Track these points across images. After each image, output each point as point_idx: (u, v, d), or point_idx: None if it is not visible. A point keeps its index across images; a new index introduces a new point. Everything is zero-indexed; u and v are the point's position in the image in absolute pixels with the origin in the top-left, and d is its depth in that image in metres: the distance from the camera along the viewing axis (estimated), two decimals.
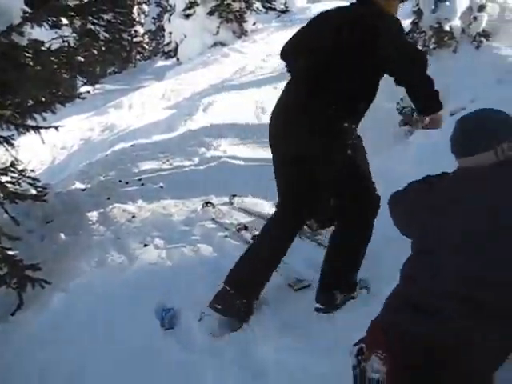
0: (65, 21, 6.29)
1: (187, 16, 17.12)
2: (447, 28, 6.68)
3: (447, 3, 6.62)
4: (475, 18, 6.61)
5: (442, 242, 1.84)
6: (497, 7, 6.70)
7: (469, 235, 1.76)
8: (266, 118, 9.20)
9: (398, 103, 6.82)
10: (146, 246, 4.61)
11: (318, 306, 3.20)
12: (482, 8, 6.59)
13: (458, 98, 5.77)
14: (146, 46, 24.54)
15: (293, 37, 3.48)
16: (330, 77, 3.03)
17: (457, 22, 6.68)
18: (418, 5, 6.85)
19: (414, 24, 6.85)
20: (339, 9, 3.31)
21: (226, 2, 16.77)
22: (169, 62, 18.90)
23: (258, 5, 18.14)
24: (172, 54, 19.04)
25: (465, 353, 1.60)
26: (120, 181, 6.60)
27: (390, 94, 7.26)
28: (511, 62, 6.05)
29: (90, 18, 6.39)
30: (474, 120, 1.99)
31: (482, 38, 6.62)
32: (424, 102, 3.09)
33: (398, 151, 5.94)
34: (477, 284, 1.66)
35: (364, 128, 7.32)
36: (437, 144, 5.41)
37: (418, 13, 6.74)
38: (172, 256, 4.35)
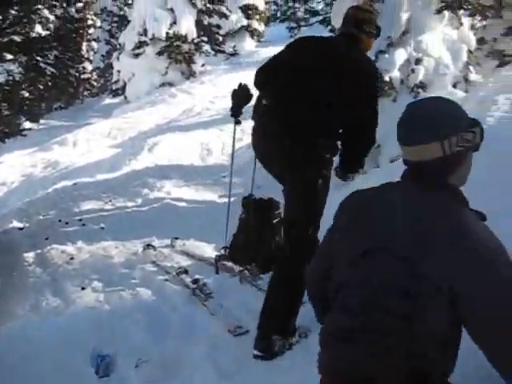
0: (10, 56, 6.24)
1: (136, 55, 17.27)
2: (387, 78, 6.97)
3: (386, 55, 6.93)
4: (413, 70, 6.91)
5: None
6: (432, 61, 7.06)
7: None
8: (211, 160, 9.37)
9: None
10: (83, 289, 4.52)
11: (256, 352, 3.17)
12: (418, 61, 6.91)
13: (397, 145, 6.01)
14: (94, 83, 24.46)
15: (272, 63, 3.39)
16: (317, 110, 3.07)
17: (396, 74, 6.97)
18: None
19: None
20: (324, 43, 3.36)
21: (175, 44, 16.99)
22: (116, 100, 18.88)
23: (207, 47, 18.44)
24: (120, 92, 19.04)
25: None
26: (60, 220, 6.50)
27: None
28: None
29: (36, 54, 6.35)
30: (423, 106, 1.76)
31: (420, 89, 6.94)
32: (354, 167, 3.35)
33: (335, 197, 6.09)
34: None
35: None
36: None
37: None
38: (110, 300, 4.28)
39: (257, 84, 3.40)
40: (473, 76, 6.99)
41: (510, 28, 8.55)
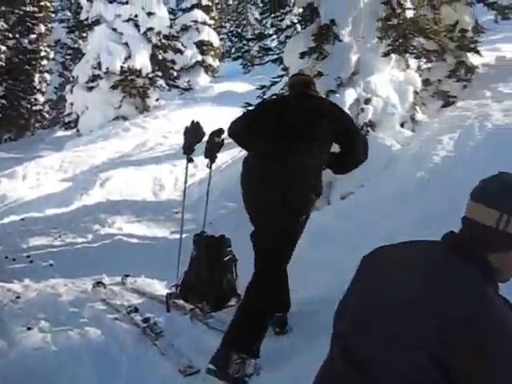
0: None
1: (90, 88, 17.15)
2: None
3: (337, 95, 7.14)
4: (362, 110, 7.14)
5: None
6: (380, 101, 7.30)
7: None
8: (163, 195, 9.34)
9: None
10: (29, 329, 4.37)
11: (211, 366, 3.10)
12: (367, 101, 7.14)
13: (348, 183, 6.15)
14: (46, 115, 24.14)
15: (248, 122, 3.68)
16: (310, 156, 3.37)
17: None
18: None
19: None
20: (297, 100, 3.66)
21: (129, 78, 17.00)
22: (68, 133, 18.60)
23: (161, 82, 18.51)
24: (72, 124, 18.80)
25: None
26: (6, 257, 6.32)
27: None
28: (394, 152, 6.55)
29: None
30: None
31: (369, 128, 7.15)
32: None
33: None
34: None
35: None
36: (357, 198, 5.67)
37: None
38: (57, 340, 4.15)
39: (236, 138, 3.72)
40: (419, 116, 7.26)
41: (453, 71, 8.97)
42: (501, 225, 1.50)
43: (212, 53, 24.58)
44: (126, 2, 17.02)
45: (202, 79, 23.16)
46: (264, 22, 26.58)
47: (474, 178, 4.68)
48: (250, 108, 6.69)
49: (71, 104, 18.42)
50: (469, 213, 1.58)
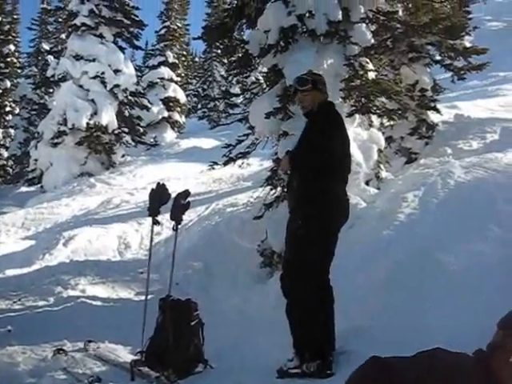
0: None
1: (55, 144, 17.02)
2: None
3: None
4: None
5: None
6: None
7: None
8: (129, 254, 9.17)
9: (258, 245, 7.06)
10: None
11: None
12: None
13: None
14: (10, 170, 23.82)
15: None
16: None
17: None
18: (276, 154, 7.36)
19: (273, 171, 7.32)
20: None
21: (95, 134, 16.95)
22: (32, 189, 18.33)
23: (127, 138, 18.51)
24: (36, 180, 18.56)
25: None
26: None
27: (250, 234, 7.61)
28: (360, 210, 6.60)
29: None
30: None
31: None
32: None
33: (258, 293, 6.09)
34: None
35: (224, 267, 7.48)
36: None
37: (277, 161, 7.23)
38: None
39: None
40: (384, 173, 7.37)
41: (414, 128, 9.25)
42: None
43: (178, 109, 24.85)
44: (93, 60, 17.15)
45: (169, 135, 23.31)
46: (230, 78, 27.08)
47: (439, 234, 4.74)
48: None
49: (35, 160, 18.23)
50: None
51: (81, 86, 17.12)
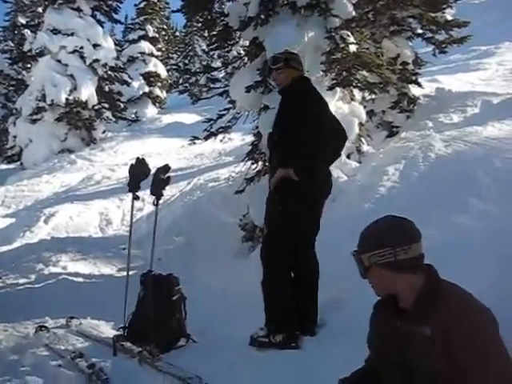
0: None
1: (34, 121, 16.77)
2: None
3: None
4: None
5: None
6: None
7: None
8: (110, 231, 9.13)
9: (240, 219, 7.06)
10: None
11: None
12: None
13: None
14: None
15: None
16: None
17: None
18: (257, 127, 7.32)
19: (254, 145, 7.29)
20: None
21: (75, 110, 16.73)
22: (11, 166, 18.09)
23: (108, 114, 18.30)
24: (16, 158, 18.31)
25: None
26: None
27: (232, 209, 7.60)
28: (341, 183, 6.59)
29: None
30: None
31: None
32: None
33: (240, 267, 6.11)
34: None
35: (206, 242, 7.48)
36: None
37: (258, 135, 7.20)
38: None
39: None
40: (365, 147, 7.37)
41: (396, 102, 9.24)
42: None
43: (159, 84, 24.60)
44: (71, 34, 16.84)
45: (150, 111, 23.09)
46: (211, 53, 26.79)
47: (420, 207, 4.78)
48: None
49: (14, 137, 17.96)
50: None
51: (59, 61, 16.83)
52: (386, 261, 2.00)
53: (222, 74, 16.81)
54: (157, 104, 24.24)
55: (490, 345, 1.84)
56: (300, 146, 3.78)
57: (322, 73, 6.49)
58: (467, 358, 1.80)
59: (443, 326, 1.85)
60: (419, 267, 2.04)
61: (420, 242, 2.05)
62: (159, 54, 26.23)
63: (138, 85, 22.81)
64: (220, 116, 7.54)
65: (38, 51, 17.36)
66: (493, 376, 1.80)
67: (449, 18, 9.64)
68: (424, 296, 1.97)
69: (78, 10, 17.09)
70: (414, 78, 9.33)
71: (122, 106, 19.09)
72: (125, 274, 4.65)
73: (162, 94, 24.94)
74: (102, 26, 17.96)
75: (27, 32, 19.62)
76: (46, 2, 17.48)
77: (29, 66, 19.56)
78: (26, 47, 18.85)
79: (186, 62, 32.06)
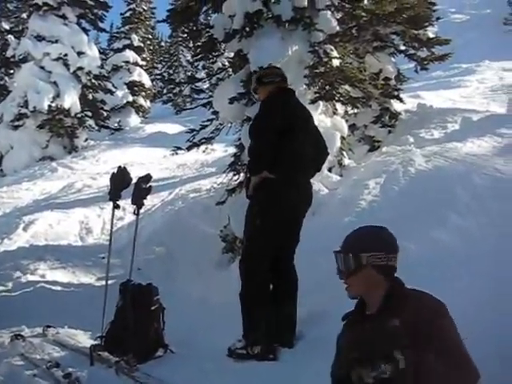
0: None
1: (16, 127, 16.62)
2: None
3: None
4: None
5: None
6: None
7: None
8: (90, 239, 9.05)
9: (221, 230, 7.06)
10: None
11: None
12: None
13: None
14: None
15: None
16: None
17: None
18: (240, 139, 7.35)
19: (236, 157, 7.31)
20: None
21: (57, 117, 16.61)
22: None
23: (91, 122, 18.21)
24: None
25: None
26: None
27: (213, 220, 7.60)
28: (322, 196, 6.63)
29: None
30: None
31: None
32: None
33: (220, 278, 6.10)
34: None
35: (186, 252, 7.45)
36: None
37: (240, 146, 7.23)
38: None
39: None
40: (346, 161, 7.43)
41: (378, 117, 9.34)
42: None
43: (143, 93, 24.55)
44: (56, 41, 16.77)
45: (133, 120, 23.00)
46: (196, 63, 26.84)
47: (399, 220, 4.81)
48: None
49: None
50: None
51: (42, 68, 16.72)
52: (380, 263, 2.20)
53: (206, 85, 16.83)
54: (140, 113, 24.16)
55: (452, 336, 2.01)
56: (254, 149, 3.96)
57: (305, 86, 6.56)
58: (433, 349, 1.94)
59: (411, 319, 2.00)
60: (392, 276, 2.26)
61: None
62: (144, 63, 26.19)
63: (121, 94, 22.73)
64: (203, 127, 7.56)
65: (21, 57, 17.20)
66: (454, 365, 1.94)
67: (431, 35, 9.79)
68: (392, 295, 2.16)
69: (63, 17, 17.01)
70: (395, 93, 9.45)
71: (105, 114, 18.99)
72: (104, 283, 4.63)
73: (146, 104, 24.88)
74: (87, 34, 17.92)
75: (11, 38, 19.46)
76: (31, 9, 17.36)
77: (11, 71, 19.37)
78: (9, 53, 18.67)
79: (171, 72, 32.06)
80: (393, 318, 2.05)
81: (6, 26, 26.28)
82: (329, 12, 6.66)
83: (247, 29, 6.48)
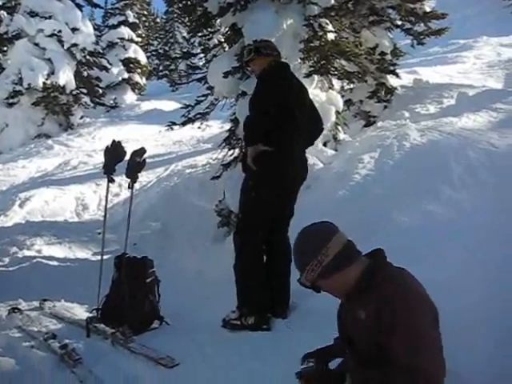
0: None
1: (10, 104, 16.51)
2: None
3: None
4: None
5: None
6: None
7: None
8: (86, 215, 9.07)
9: (216, 205, 7.07)
10: None
11: None
12: None
13: None
14: None
15: None
16: None
17: None
18: (234, 114, 7.33)
19: (231, 131, 7.29)
20: None
21: (52, 94, 16.51)
22: None
23: (86, 99, 18.10)
24: None
25: None
26: None
27: (208, 195, 7.61)
28: (316, 170, 6.65)
29: None
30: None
31: None
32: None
33: (215, 252, 6.14)
34: None
35: (182, 227, 7.48)
36: None
37: (235, 121, 7.21)
38: None
39: None
40: (341, 135, 7.41)
41: (374, 92, 9.30)
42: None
43: (139, 70, 24.36)
44: (49, 17, 16.58)
45: (129, 97, 22.88)
46: (192, 40, 26.60)
47: (393, 194, 4.83)
48: None
49: None
50: None
51: (36, 44, 16.57)
52: (317, 272, 2.14)
53: (202, 62, 16.70)
54: (136, 90, 24.02)
55: (419, 330, 1.95)
56: (253, 121, 3.91)
57: (299, 60, 6.51)
58: (394, 340, 1.92)
59: (376, 307, 2.00)
60: (352, 258, 2.18)
61: (337, 234, 2.21)
62: (139, 40, 25.94)
63: (117, 71, 22.57)
64: (198, 102, 7.53)
65: (14, 34, 16.99)
66: (415, 353, 1.91)
67: (427, 9, 9.71)
68: (361, 281, 2.12)
69: None
70: (392, 68, 9.40)
71: (100, 91, 18.89)
72: (99, 258, 4.66)
73: (142, 81, 24.72)
74: (81, 10, 17.67)
75: (3, 14, 19.20)
76: None
77: (5, 48, 19.19)
78: (2, 29, 18.41)
79: (167, 48, 31.81)
80: (360, 308, 2.10)
81: None
82: None
83: (242, 2, 6.40)
